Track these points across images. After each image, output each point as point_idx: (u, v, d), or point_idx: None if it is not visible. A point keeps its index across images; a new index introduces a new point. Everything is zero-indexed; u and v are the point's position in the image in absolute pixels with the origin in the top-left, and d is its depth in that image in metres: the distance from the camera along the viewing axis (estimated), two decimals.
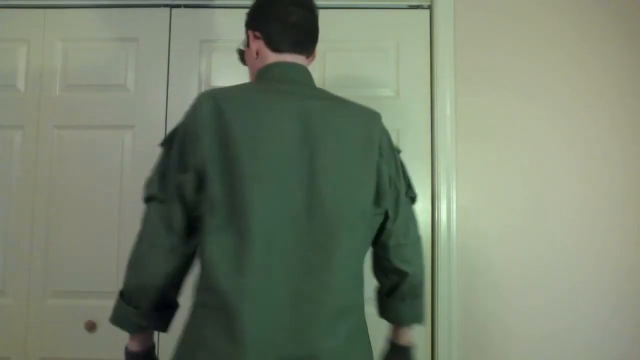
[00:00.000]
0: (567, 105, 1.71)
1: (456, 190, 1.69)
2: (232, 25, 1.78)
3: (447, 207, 1.68)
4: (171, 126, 1.76)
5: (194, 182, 1.00)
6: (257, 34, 1.16)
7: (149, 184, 1.08)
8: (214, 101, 1.02)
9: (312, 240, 0.99)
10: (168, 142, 1.08)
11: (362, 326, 1.06)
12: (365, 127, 1.09)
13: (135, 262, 1.06)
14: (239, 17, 1.78)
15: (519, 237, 1.67)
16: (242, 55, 1.26)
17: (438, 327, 1.64)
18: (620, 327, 1.64)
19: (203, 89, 1.77)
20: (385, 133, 1.14)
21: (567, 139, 1.70)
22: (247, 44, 1.20)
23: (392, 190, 1.12)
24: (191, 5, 1.79)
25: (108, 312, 1.69)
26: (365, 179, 1.07)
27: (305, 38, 1.15)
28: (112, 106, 1.77)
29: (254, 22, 1.18)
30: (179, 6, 1.80)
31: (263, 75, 1.13)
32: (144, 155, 1.74)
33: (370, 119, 1.11)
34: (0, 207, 1.75)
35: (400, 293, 1.17)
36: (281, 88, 1.08)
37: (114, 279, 1.71)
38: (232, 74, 1.78)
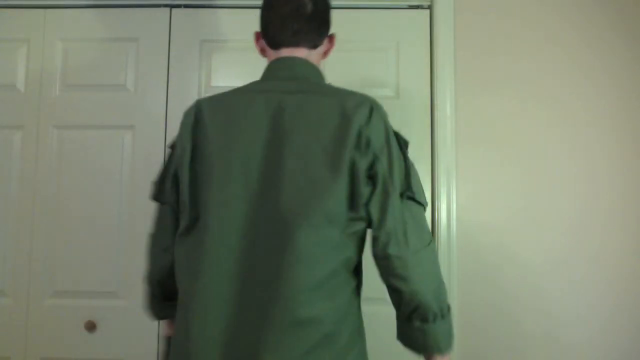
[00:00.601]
0: (567, 105, 1.71)
1: (456, 190, 1.69)
2: (232, 25, 1.78)
3: (447, 207, 1.68)
4: (171, 126, 1.77)
5: (173, 186, 1.06)
6: (260, 32, 1.13)
7: (152, 185, 1.14)
8: (196, 107, 1.05)
9: (265, 247, 0.93)
10: (171, 147, 1.12)
11: (332, 341, 0.93)
12: (342, 118, 0.96)
13: (146, 257, 1.18)
14: (239, 17, 1.79)
15: (519, 237, 1.67)
16: None
17: None
18: (619, 326, 1.64)
19: (203, 89, 1.77)
20: (372, 122, 0.98)
21: (567, 139, 1.70)
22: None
23: (379, 189, 0.97)
24: (191, 5, 1.79)
25: (108, 312, 1.70)
26: (332, 177, 0.94)
27: (303, 26, 1.06)
28: (112, 106, 1.77)
29: (260, 21, 1.13)
30: (179, 6, 1.80)
31: (264, 75, 1.12)
32: (144, 155, 1.75)
33: (352, 107, 0.97)
34: (0, 207, 1.75)
35: (403, 314, 1.01)
36: (267, 86, 1.05)
37: (114, 279, 1.71)
38: (232, 73, 1.78)
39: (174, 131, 1.75)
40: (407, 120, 1.74)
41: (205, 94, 1.77)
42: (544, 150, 1.69)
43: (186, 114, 1.07)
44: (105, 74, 1.78)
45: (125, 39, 1.79)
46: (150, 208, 1.72)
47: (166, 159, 1.12)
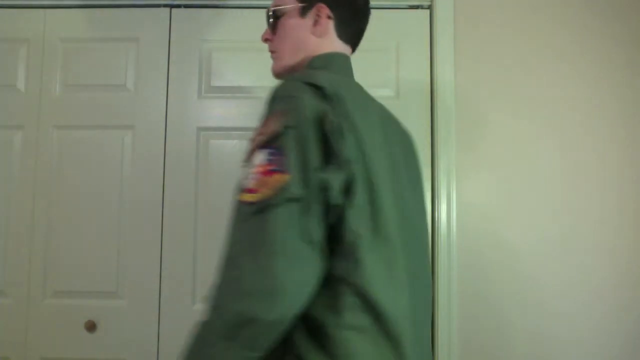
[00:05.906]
0: (567, 107, 1.71)
1: (456, 190, 1.69)
2: (232, 25, 1.78)
3: (447, 207, 1.68)
4: (171, 126, 1.76)
5: None
6: (329, 12, 0.99)
7: None
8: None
9: None
10: None
11: None
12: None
13: None
14: (239, 17, 1.79)
15: (519, 237, 1.67)
16: (277, 21, 1.02)
17: (438, 326, 1.64)
18: (617, 326, 1.64)
19: (203, 89, 1.77)
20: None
21: (566, 141, 1.70)
22: (301, 15, 1.00)
23: None
24: (191, 5, 1.79)
25: (108, 312, 1.70)
26: None
27: (365, 27, 1.04)
28: (112, 106, 1.77)
29: (344, 8, 1.01)
30: (179, 6, 1.80)
31: (349, 70, 1.03)
32: (144, 155, 1.75)
33: None
34: (0, 207, 1.75)
35: None
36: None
37: (114, 279, 1.71)
38: (232, 73, 1.78)
39: (174, 131, 1.75)
40: (407, 120, 1.74)
41: (205, 94, 1.77)
42: (544, 151, 1.69)
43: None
44: (105, 74, 1.78)
45: (125, 39, 1.79)
46: (150, 208, 1.72)
47: None
